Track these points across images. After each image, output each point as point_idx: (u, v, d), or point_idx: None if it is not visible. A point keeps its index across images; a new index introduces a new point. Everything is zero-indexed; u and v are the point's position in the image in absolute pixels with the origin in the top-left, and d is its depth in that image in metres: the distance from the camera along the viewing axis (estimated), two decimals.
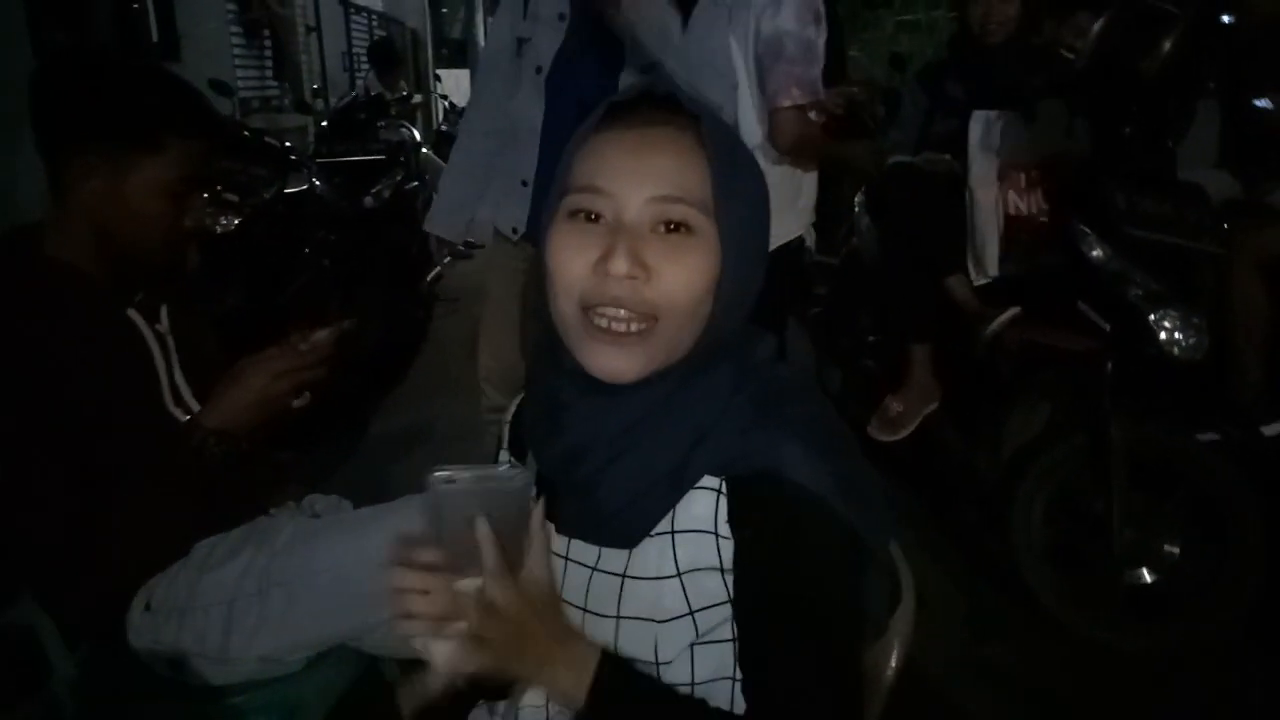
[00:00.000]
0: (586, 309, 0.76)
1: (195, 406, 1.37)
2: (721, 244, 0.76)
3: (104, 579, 1.27)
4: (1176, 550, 2.26)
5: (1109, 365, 2.22)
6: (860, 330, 3.17)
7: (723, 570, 0.77)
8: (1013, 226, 2.43)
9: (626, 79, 2.05)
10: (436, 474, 0.71)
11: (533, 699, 0.87)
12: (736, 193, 0.77)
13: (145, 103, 1.24)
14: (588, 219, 0.77)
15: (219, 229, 2.93)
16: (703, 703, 0.78)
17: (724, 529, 0.77)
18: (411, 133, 5.28)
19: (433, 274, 1.65)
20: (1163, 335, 2.15)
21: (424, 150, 5.29)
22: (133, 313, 1.33)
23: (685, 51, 2.13)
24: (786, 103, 2.07)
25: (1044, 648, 2.26)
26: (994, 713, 2.08)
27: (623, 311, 0.75)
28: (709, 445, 0.78)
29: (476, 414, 2.41)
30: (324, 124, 4.90)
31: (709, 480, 0.78)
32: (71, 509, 1.22)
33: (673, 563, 0.78)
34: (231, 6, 5.85)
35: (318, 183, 3.83)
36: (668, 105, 0.79)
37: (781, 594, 0.75)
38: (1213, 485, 2.16)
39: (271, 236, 3.59)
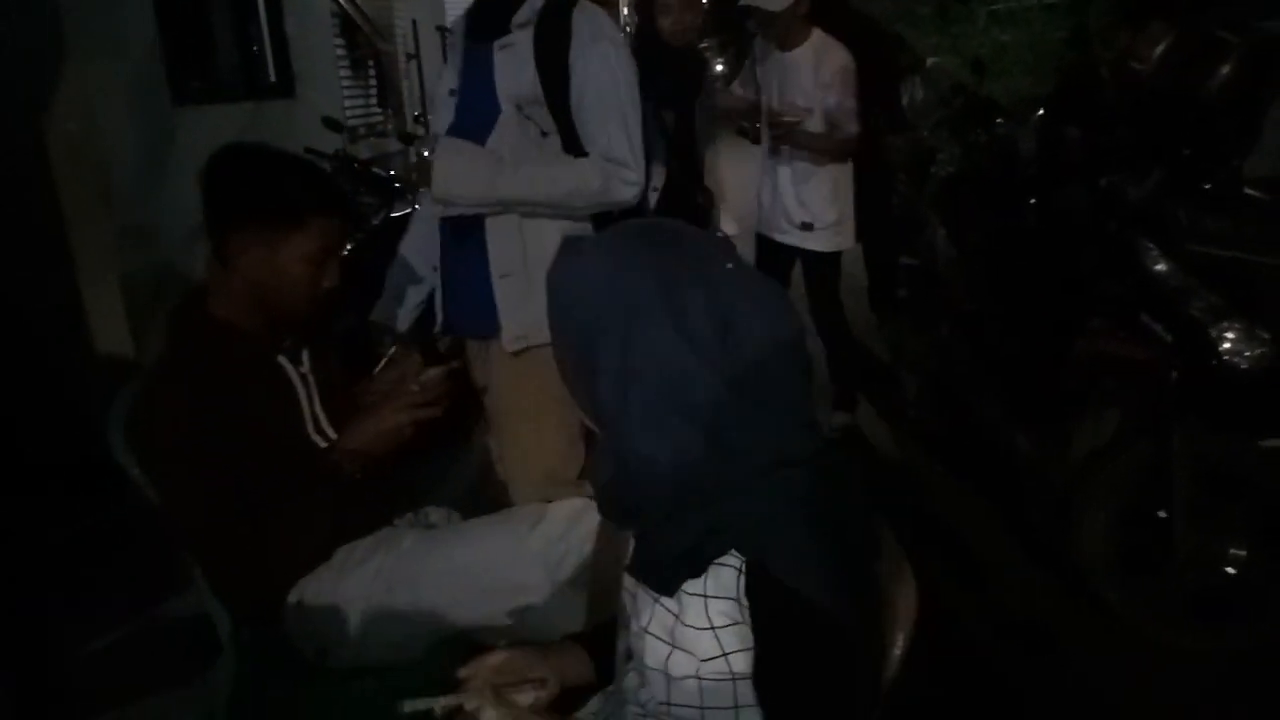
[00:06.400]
0: None
1: (332, 434, 1.63)
2: None
3: (263, 577, 1.53)
4: (1243, 553, 2.32)
5: (1172, 375, 2.30)
6: None
7: None
8: None
9: None
10: None
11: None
12: None
13: (292, 188, 1.49)
14: None
15: None
16: None
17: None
18: None
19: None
20: (1225, 347, 2.22)
21: None
22: (281, 358, 1.59)
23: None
24: None
25: (1107, 648, 2.34)
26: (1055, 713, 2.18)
27: None
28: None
29: None
30: (425, 153, 5.12)
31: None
32: (237, 520, 1.49)
33: None
34: (340, 44, 6.25)
35: (419, 207, 4.12)
36: None
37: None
38: (1276, 490, 2.22)
39: (380, 259, 3.90)
